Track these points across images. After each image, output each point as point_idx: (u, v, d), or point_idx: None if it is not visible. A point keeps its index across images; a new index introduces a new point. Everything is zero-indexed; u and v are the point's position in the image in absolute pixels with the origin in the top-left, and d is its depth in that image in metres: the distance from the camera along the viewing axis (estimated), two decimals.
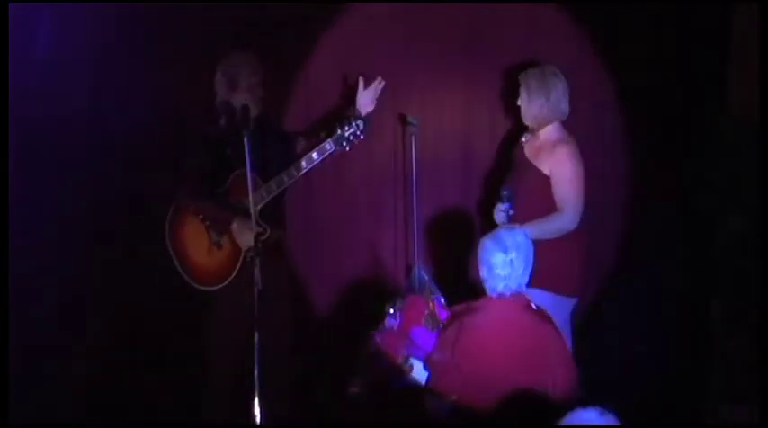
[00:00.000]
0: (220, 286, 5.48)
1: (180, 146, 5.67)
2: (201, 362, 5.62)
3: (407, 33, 6.04)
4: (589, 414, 3.89)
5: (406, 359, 4.87)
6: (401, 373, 4.87)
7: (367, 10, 6.05)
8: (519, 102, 5.53)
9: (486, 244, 4.87)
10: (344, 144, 5.44)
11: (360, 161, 6.04)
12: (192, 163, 5.56)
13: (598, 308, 5.85)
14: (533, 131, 5.56)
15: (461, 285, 5.41)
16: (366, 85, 5.62)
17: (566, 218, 5.40)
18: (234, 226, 5.44)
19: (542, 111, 5.48)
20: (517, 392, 4.68)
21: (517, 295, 4.85)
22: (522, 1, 5.98)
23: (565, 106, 5.50)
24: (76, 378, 5.81)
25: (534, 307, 4.88)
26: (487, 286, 4.86)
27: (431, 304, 4.93)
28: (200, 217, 5.52)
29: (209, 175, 5.50)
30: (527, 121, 5.55)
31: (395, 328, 4.91)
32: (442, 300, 4.97)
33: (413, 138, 5.80)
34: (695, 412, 5.65)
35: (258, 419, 5.00)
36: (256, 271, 5.07)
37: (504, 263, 4.82)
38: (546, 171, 5.45)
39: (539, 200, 5.44)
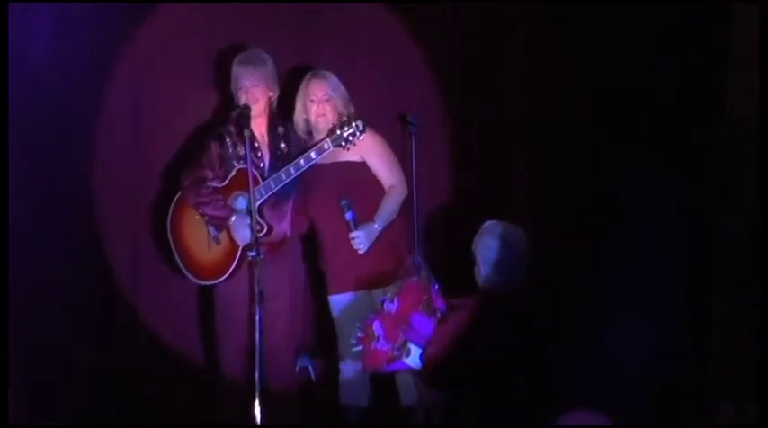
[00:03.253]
0: (218, 281, 5.51)
1: (188, 142, 5.76)
2: (207, 361, 5.67)
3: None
4: (581, 416, 3.91)
5: (404, 342, 4.88)
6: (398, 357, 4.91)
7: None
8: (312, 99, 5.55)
9: (491, 243, 4.84)
10: (343, 144, 5.45)
11: None
12: (196, 158, 5.62)
13: (597, 308, 5.85)
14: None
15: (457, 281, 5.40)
16: None
17: (401, 188, 5.57)
18: (232, 221, 5.48)
19: (346, 109, 5.56)
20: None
21: (515, 293, 4.86)
22: None
23: None
24: (77, 378, 5.81)
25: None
26: (491, 285, 4.85)
27: (428, 290, 4.95)
28: (200, 211, 5.56)
29: (213, 171, 5.56)
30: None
31: (393, 312, 4.94)
32: (437, 288, 4.99)
33: (413, 137, 5.80)
34: (695, 412, 5.65)
35: (258, 419, 5.02)
36: (257, 271, 5.10)
37: (511, 259, 4.81)
38: (356, 158, 5.55)
39: (372, 186, 5.56)
